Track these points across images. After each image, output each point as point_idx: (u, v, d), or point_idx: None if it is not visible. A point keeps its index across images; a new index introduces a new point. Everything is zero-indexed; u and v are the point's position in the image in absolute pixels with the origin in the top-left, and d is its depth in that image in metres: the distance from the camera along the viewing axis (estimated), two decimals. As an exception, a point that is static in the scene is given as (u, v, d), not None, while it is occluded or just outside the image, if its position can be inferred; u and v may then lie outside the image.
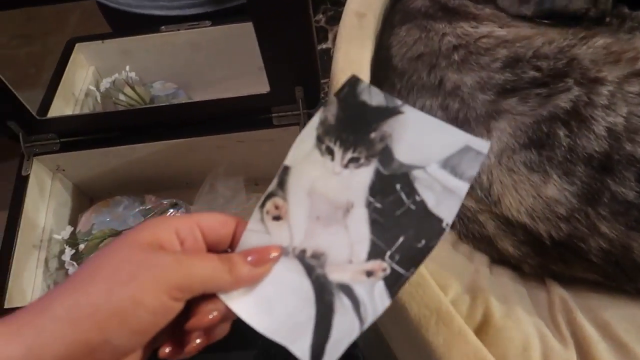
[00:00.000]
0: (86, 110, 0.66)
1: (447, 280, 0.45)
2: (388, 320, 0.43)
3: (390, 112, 0.37)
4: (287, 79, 0.45)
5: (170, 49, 0.67)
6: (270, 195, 0.36)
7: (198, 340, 0.32)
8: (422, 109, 0.50)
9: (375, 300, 0.32)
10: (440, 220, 0.34)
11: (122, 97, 0.67)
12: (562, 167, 0.43)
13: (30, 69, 0.77)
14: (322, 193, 0.36)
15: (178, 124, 0.55)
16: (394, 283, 0.33)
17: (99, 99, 0.67)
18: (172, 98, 0.69)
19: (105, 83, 0.66)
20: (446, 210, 0.34)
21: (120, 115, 0.57)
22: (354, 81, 0.38)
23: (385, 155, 0.36)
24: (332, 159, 0.36)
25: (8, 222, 0.52)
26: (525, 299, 0.46)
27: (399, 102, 0.37)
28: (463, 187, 0.34)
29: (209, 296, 0.32)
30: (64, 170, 0.59)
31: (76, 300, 0.27)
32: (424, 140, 0.36)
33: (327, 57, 0.76)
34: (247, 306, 0.33)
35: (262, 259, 0.33)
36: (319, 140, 0.37)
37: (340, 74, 0.47)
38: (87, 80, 0.67)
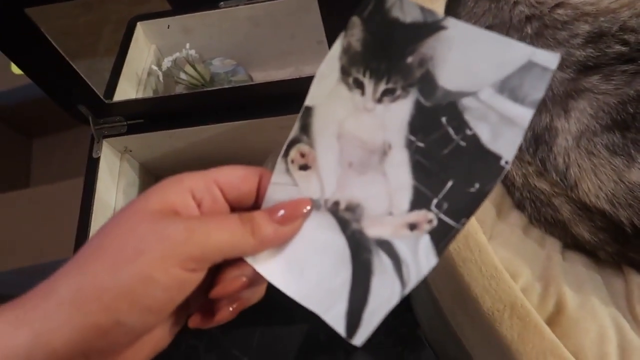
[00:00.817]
0: (149, 90, 0.67)
1: (518, 267, 0.43)
2: (457, 309, 0.43)
3: (429, 29, 0.30)
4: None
5: (229, 25, 0.67)
6: (294, 141, 0.31)
7: (230, 308, 0.29)
8: (492, 86, 0.48)
9: (420, 258, 0.28)
10: (498, 158, 0.28)
11: (183, 75, 0.68)
12: (649, 150, 0.40)
13: (88, 37, 0.78)
14: (353, 135, 0.31)
15: (241, 105, 0.55)
16: (442, 237, 0.28)
17: (161, 78, 0.68)
18: (231, 75, 0.69)
19: (166, 62, 0.67)
20: (505, 144, 0.28)
21: (184, 97, 0.58)
22: None
23: (427, 83, 0.30)
24: (362, 93, 0.31)
25: (82, 204, 0.54)
26: (600, 287, 0.44)
27: (439, 15, 0.30)
28: (526, 114, 0.28)
29: (235, 259, 0.29)
30: (131, 151, 0.61)
31: (81, 281, 0.25)
32: (474, 59, 0.29)
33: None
34: (276, 269, 0.29)
35: (291, 216, 0.29)
36: (344, 72, 0.31)
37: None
38: (149, 59, 0.68)
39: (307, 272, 0.29)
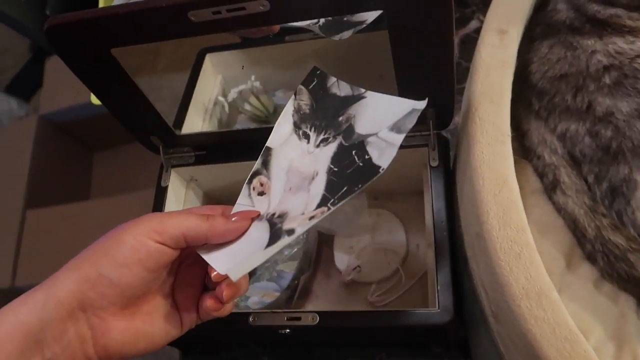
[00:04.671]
0: (215, 120, 0.69)
1: (588, 324, 0.41)
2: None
3: (355, 99, 0.44)
4: (420, 98, 0.44)
5: (293, 58, 0.68)
6: (256, 173, 0.43)
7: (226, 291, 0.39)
8: (565, 133, 0.46)
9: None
10: (378, 167, 0.40)
11: (247, 106, 0.69)
12: None
13: (157, 68, 0.79)
14: (296, 169, 0.43)
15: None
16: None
17: (226, 108, 0.70)
18: (293, 107, 0.70)
19: (232, 93, 0.68)
20: (385, 159, 0.40)
21: (248, 132, 0.59)
22: (320, 74, 0.45)
23: (348, 131, 0.43)
24: (308, 142, 0.43)
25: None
26: (681, 351, 0.41)
27: (362, 90, 0.44)
28: (399, 138, 0.40)
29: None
30: (196, 180, 0.62)
31: (81, 254, 0.37)
32: (379, 113, 0.43)
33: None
34: (217, 256, 0.39)
35: (240, 218, 0.40)
36: (296, 126, 0.44)
37: (479, 98, 0.44)
38: (216, 89, 0.70)
39: (236, 257, 0.38)
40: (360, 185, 0.40)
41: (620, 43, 0.45)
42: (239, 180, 0.65)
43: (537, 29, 0.51)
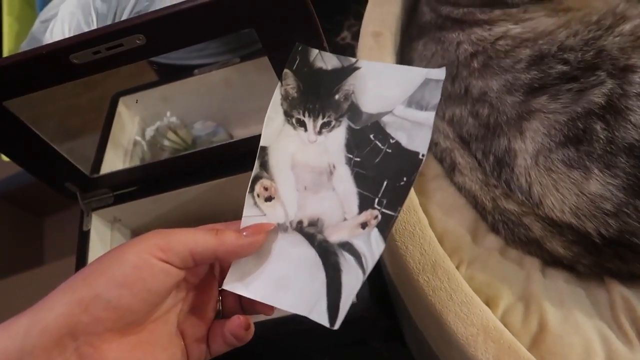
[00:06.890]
0: (136, 160, 0.69)
1: (498, 290, 0.44)
2: (439, 338, 0.43)
3: (347, 71, 0.39)
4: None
5: (205, 90, 0.70)
6: (257, 178, 0.38)
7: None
8: (452, 118, 0.50)
9: (373, 248, 0.34)
10: (416, 154, 0.35)
11: (166, 142, 0.71)
12: (603, 160, 0.41)
13: (73, 116, 0.80)
14: (303, 163, 0.38)
15: (222, 163, 0.57)
16: (385, 226, 0.34)
17: (145, 147, 0.71)
18: (212, 136, 0.72)
19: (149, 131, 0.70)
20: (419, 142, 0.35)
21: (165, 163, 0.60)
22: (302, 50, 0.39)
23: (353, 112, 0.38)
24: (305, 129, 0.38)
25: (76, 276, 0.56)
26: (583, 300, 0.44)
27: (352, 59, 0.39)
28: (429, 116, 0.36)
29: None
30: (120, 220, 0.63)
31: (76, 274, 0.32)
32: (384, 87, 0.38)
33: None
34: (264, 289, 0.35)
35: (253, 232, 0.35)
36: (287, 115, 0.39)
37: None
38: (134, 131, 0.71)
39: (290, 285, 0.35)
40: (405, 179, 0.34)
41: (480, 32, 0.49)
42: (164, 212, 0.67)
43: (413, 30, 0.55)
